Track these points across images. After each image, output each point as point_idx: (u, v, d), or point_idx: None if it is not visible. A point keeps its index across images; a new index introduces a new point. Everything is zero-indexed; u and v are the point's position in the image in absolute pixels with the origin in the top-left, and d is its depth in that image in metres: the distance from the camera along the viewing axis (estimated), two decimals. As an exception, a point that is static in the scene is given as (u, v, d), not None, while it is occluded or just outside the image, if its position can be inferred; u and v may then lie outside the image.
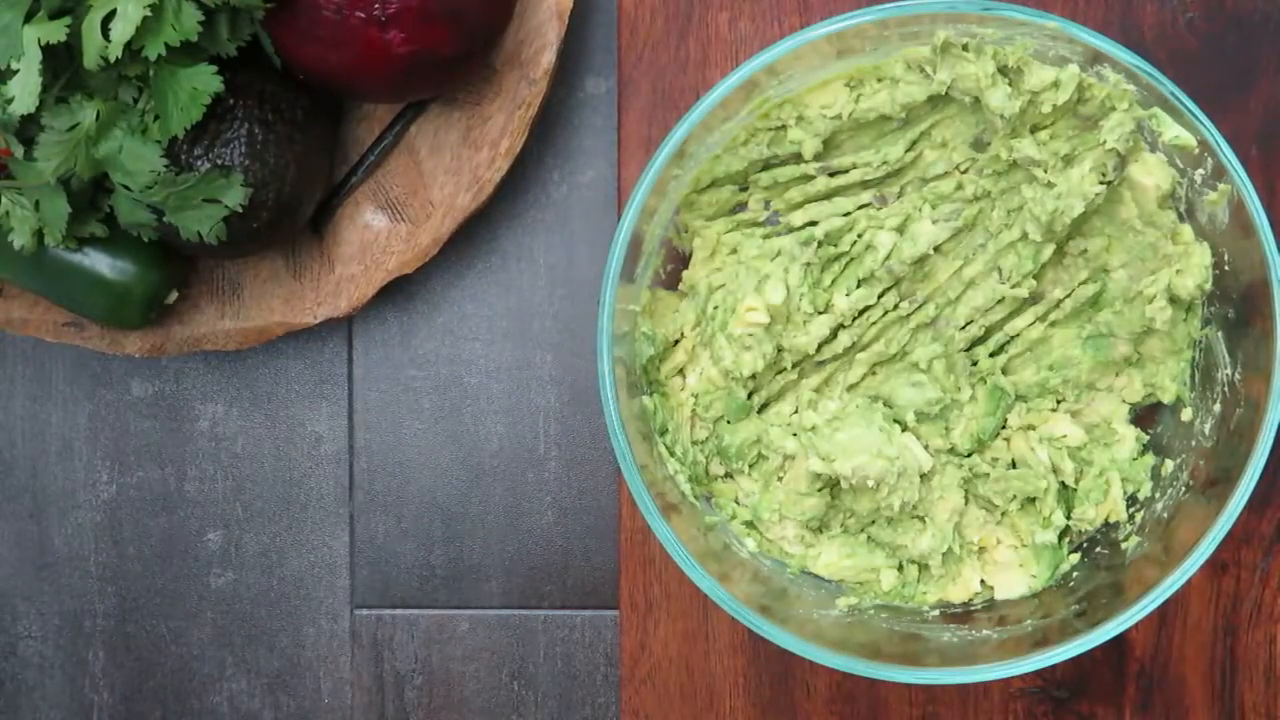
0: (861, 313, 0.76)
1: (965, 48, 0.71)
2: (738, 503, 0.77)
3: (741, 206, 0.77)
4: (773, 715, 0.80)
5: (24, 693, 0.85)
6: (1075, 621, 0.71)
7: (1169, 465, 0.75)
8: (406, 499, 0.84)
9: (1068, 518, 0.76)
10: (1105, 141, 0.71)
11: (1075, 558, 0.75)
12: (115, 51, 0.67)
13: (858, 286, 0.76)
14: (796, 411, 0.77)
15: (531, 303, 0.83)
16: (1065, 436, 0.76)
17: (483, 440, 0.84)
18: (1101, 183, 0.72)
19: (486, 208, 0.80)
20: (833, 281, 0.76)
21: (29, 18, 0.67)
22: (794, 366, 0.77)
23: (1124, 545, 0.74)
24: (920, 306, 0.76)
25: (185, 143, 0.72)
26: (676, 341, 0.76)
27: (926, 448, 0.76)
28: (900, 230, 0.75)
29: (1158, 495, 0.74)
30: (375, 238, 0.80)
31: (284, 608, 0.85)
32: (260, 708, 0.84)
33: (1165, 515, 0.73)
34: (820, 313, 0.76)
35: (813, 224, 0.76)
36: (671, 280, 0.77)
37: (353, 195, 0.80)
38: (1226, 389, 0.72)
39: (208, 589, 0.85)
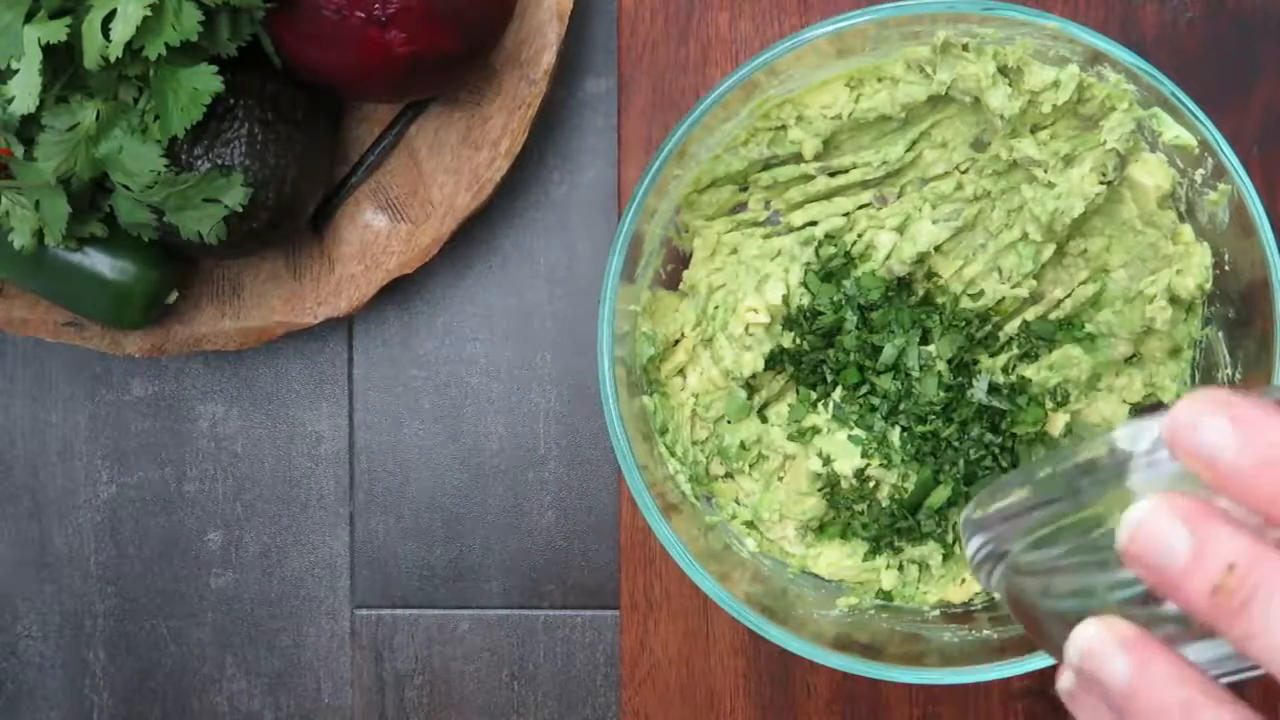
0: (862, 313, 0.76)
1: (965, 48, 0.71)
2: (738, 503, 0.77)
3: (742, 206, 0.77)
4: (773, 715, 0.80)
5: (24, 693, 0.85)
6: (1076, 621, 0.71)
7: (1169, 465, 0.74)
8: (406, 499, 0.84)
9: (1068, 518, 0.75)
10: (1105, 141, 0.71)
11: (1075, 558, 0.75)
12: (115, 51, 0.67)
13: (858, 286, 0.76)
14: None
15: (531, 303, 0.83)
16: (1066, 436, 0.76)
17: (483, 440, 0.84)
18: (1101, 183, 0.72)
19: (486, 208, 0.80)
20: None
21: (29, 17, 0.67)
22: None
23: (1124, 545, 0.74)
24: (920, 306, 0.77)
25: (185, 143, 0.72)
26: (677, 341, 0.76)
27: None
28: (900, 230, 0.75)
29: (1158, 495, 0.74)
30: (375, 238, 0.80)
31: (284, 608, 0.85)
32: (260, 708, 0.84)
33: (1165, 515, 0.73)
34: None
35: (813, 224, 0.76)
36: (672, 280, 0.77)
37: (353, 195, 0.80)
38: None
39: (208, 589, 0.85)
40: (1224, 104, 0.78)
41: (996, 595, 0.45)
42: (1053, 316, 0.76)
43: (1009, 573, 0.44)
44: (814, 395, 0.77)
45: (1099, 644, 0.41)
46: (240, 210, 0.72)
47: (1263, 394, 0.40)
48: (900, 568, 0.76)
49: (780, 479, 0.77)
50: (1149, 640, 0.40)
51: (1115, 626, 0.41)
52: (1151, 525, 0.39)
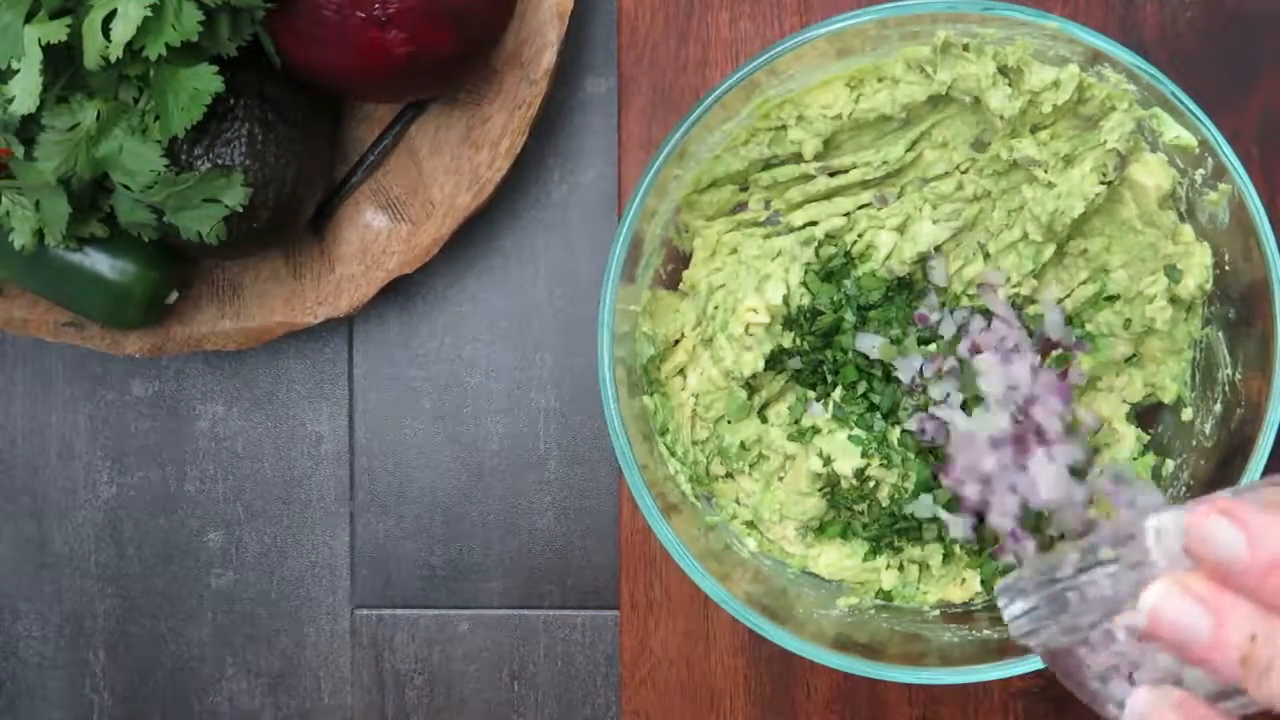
0: (862, 313, 0.76)
1: (966, 48, 0.71)
2: (738, 503, 0.77)
3: (742, 206, 0.77)
4: (773, 715, 0.80)
5: (24, 693, 0.85)
6: (1076, 621, 0.71)
7: (1169, 465, 0.75)
8: (406, 499, 0.84)
9: (1068, 518, 0.76)
10: (1105, 141, 0.71)
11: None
12: (116, 51, 0.67)
13: (858, 286, 0.76)
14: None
15: (531, 303, 0.83)
16: (1065, 436, 0.76)
17: (483, 440, 0.84)
18: (1102, 183, 0.72)
19: (487, 207, 0.80)
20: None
21: (29, 18, 0.67)
22: (794, 366, 0.77)
23: (1124, 545, 0.74)
24: (920, 306, 0.76)
25: (185, 143, 0.72)
26: (677, 341, 0.77)
27: (927, 448, 0.76)
28: (901, 230, 0.75)
29: (1158, 495, 0.74)
30: (375, 238, 0.80)
31: (284, 608, 0.85)
32: (260, 708, 0.84)
33: (1165, 515, 0.73)
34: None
35: (813, 224, 0.76)
36: (672, 280, 0.77)
37: (353, 195, 0.80)
38: (1227, 389, 0.72)
39: (208, 589, 0.85)
40: (1224, 104, 0.78)
41: (1039, 655, 0.50)
42: (1053, 316, 0.76)
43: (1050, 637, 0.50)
44: (814, 395, 0.77)
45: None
46: (240, 210, 0.72)
47: (1249, 489, 0.47)
48: (900, 568, 0.76)
49: (780, 479, 0.77)
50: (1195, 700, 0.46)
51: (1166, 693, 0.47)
52: (1169, 606, 0.45)
